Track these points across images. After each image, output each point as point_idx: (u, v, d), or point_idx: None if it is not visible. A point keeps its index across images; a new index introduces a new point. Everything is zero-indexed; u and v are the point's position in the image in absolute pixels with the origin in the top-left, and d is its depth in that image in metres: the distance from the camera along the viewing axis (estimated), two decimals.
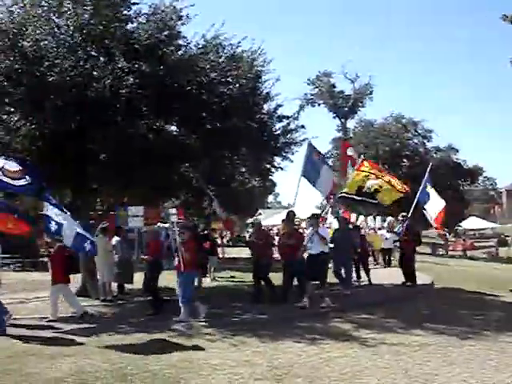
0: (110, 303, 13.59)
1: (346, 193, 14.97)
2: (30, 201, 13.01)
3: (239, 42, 14.86)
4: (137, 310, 12.95)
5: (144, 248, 17.38)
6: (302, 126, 16.36)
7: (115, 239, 14.59)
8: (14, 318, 11.01)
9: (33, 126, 12.88)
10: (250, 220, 36.66)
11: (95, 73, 12.40)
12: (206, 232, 19.54)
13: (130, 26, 13.75)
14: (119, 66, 12.49)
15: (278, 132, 16.16)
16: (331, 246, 13.52)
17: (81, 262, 13.53)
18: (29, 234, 12.45)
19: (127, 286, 15.23)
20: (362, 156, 16.62)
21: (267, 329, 10.04)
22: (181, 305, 11.03)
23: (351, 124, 55.52)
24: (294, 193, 14.75)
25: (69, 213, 11.23)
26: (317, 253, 12.43)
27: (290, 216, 14.26)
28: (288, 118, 16.22)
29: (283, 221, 14.70)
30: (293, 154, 16.64)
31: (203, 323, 10.70)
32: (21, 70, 12.53)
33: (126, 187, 14.62)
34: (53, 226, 11.00)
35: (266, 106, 15.89)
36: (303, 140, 16.32)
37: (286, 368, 7.40)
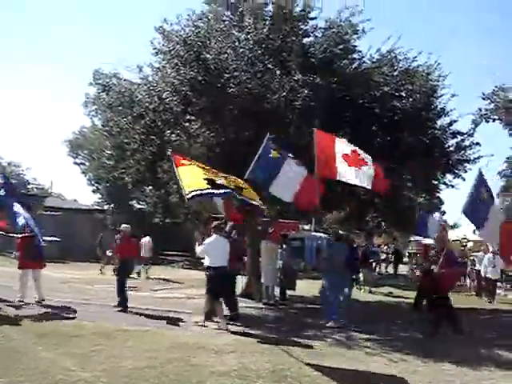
0: (272, 306, 13.98)
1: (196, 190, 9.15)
2: None
3: (415, 57, 14.66)
4: (296, 315, 13.23)
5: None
6: (477, 144, 15.56)
7: None
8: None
9: (211, 134, 13.61)
10: (412, 238, 35.52)
11: (272, 85, 12.89)
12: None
13: (306, 40, 14.15)
14: (295, 78, 12.87)
15: (451, 148, 15.58)
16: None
17: (247, 266, 14.13)
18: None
19: (288, 292, 15.56)
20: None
21: (426, 348, 9.73)
22: None
23: None
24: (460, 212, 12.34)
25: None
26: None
27: None
28: (462, 134, 15.60)
29: None
30: (466, 171, 15.87)
31: (362, 336, 10.65)
32: (203, 81, 13.36)
33: None
34: (20, 221, 12.74)
35: (439, 122, 15.40)
36: (477, 158, 15.58)
37: None
